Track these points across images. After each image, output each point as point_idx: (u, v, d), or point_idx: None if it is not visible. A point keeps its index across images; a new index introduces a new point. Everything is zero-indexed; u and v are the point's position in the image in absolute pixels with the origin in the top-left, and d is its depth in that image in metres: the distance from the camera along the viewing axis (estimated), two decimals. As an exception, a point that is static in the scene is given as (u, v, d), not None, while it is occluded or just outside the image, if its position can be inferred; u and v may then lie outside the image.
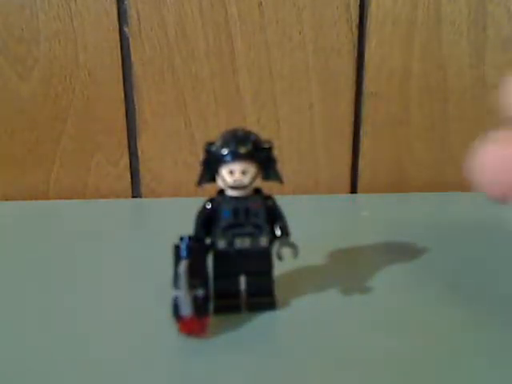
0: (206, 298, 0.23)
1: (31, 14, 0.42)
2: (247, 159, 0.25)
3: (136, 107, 0.44)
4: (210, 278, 0.25)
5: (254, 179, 0.25)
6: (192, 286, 0.23)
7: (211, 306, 0.25)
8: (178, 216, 0.37)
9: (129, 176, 0.45)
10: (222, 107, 0.44)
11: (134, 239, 0.36)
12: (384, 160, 0.46)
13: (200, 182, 0.26)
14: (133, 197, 0.46)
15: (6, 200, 0.44)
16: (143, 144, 0.45)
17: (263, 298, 0.26)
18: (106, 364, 0.22)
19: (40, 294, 0.28)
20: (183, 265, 0.23)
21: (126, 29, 0.42)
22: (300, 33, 0.43)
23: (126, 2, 0.42)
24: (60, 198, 0.45)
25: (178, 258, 0.23)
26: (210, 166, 0.25)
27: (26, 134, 0.44)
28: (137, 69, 0.43)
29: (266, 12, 0.42)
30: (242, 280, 0.26)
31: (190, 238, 0.24)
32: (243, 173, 0.25)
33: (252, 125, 0.44)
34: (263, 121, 0.44)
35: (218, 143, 0.25)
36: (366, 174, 0.46)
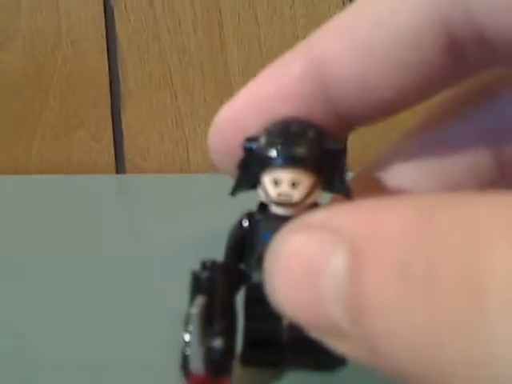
0: (226, 352, 0.17)
1: (11, -19, 0.40)
2: (300, 166, 0.17)
3: (120, 80, 0.43)
4: (237, 321, 0.19)
5: (309, 194, 0.17)
6: (207, 334, 0.17)
7: (239, 361, 0.19)
8: (164, 193, 0.36)
9: (112, 151, 0.44)
10: (209, 81, 0.43)
11: (118, 217, 0.35)
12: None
13: (234, 191, 0.18)
14: (117, 173, 0.45)
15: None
16: (128, 118, 0.43)
17: (315, 353, 0.17)
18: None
19: (18, 274, 0.27)
20: (198, 303, 0.17)
21: (110, -2, 0.41)
22: (291, 8, 0.42)
23: (110, -29, 0.41)
24: (41, 173, 0.44)
25: (194, 290, 0.18)
26: (250, 171, 0.18)
27: (6, 106, 0.43)
28: (121, 40, 0.42)
29: (255, -16, 0.41)
30: (284, 325, 0.19)
31: (214, 264, 0.18)
32: (293, 184, 0.17)
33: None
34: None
35: (263, 140, 0.17)
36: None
